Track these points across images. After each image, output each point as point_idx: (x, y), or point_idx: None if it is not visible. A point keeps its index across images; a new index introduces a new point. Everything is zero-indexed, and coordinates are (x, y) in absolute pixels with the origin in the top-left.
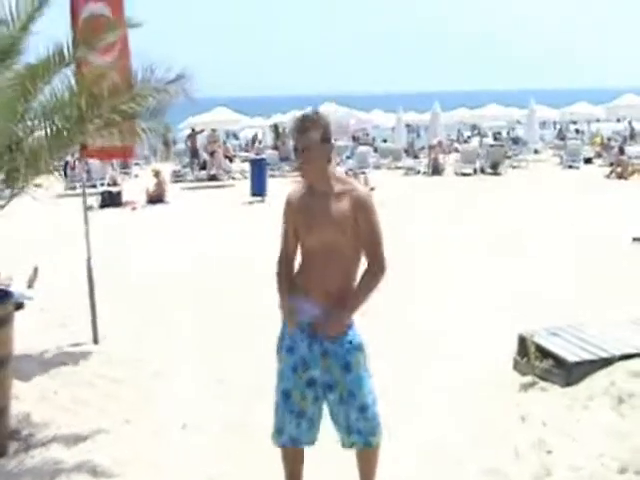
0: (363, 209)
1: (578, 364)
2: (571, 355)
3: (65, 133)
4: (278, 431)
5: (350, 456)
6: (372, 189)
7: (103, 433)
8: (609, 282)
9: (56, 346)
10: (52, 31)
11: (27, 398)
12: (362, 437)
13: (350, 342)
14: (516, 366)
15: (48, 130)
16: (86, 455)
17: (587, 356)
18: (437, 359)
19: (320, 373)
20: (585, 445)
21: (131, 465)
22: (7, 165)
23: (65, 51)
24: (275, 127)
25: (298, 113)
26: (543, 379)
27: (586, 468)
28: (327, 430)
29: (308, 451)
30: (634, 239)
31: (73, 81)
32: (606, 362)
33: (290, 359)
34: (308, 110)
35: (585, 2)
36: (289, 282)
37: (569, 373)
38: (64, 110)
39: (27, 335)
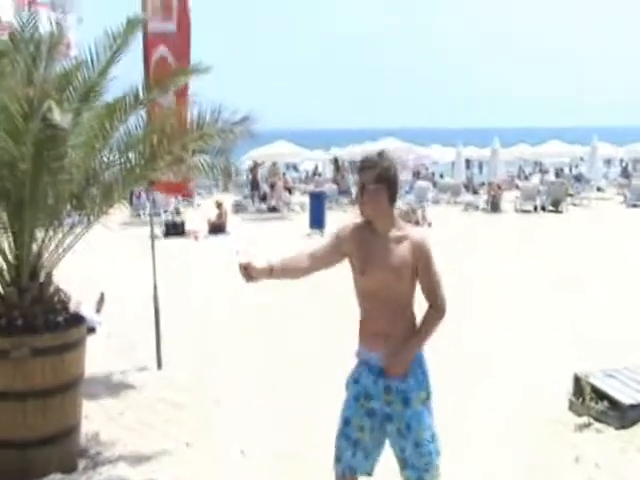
0: (423, 256)
1: (633, 407)
2: (626, 397)
3: (138, 169)
4: (337, 459)
5: None
6: (429, 224)
7: (166, 454)
8: None
9: (121, 370)
10: (127, 72)
11: (95, 418)
12: (415, 472)
13: (415, 378)
14: (571, 407)
15: (123, 165)
16: (150, 474)
17: None
18: (492, 393)
19: (381, 405)
20: None
21: None
22: (85, 197)
23: (140, 92)
24: (335, 160)
25: (359, 147)
26: (598, 420)
27: None
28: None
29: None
30: None
31: (145, 121)
32: None
33: (354, 388)
34: (375, 150)
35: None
36: (291, 265)
37: (624, 415)
38: (137, 147)
39: (94, 359)
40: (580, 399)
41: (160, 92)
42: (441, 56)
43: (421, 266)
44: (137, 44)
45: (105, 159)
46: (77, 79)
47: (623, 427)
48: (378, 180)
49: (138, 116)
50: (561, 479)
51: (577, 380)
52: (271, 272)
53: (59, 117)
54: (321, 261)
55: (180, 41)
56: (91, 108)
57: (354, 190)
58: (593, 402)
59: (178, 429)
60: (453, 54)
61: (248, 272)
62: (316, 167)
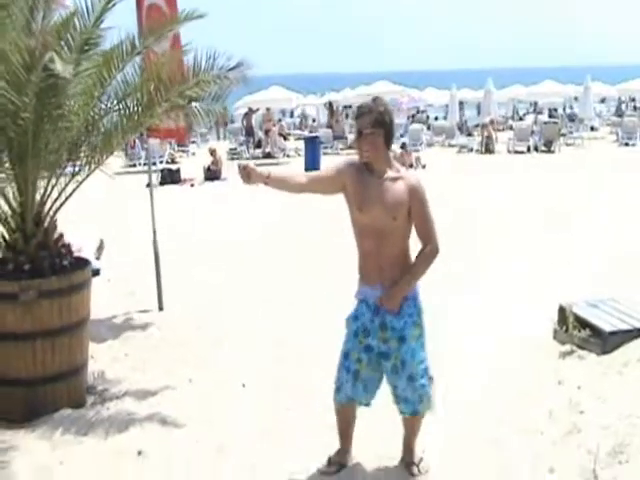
0: (417, 197)
1: (614, 333)
2: (607, 325)
3: (136, 116)
4: (337, 389)
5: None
6: (424, 166)
7: (170, 390)
8: None
9: (124, 313)
10: (122, 20)
11: (100, 358)
12: (410, 405)
13: (410, 316)
14: (556, 335)
15: (121, 113)
16: (155, 408)
17: (623, 326)
18: (481, 324)
19: (377, 342)
20: (615, 407)
21: (195, 418)
22: (85, 144)
23: (136, 40)
24: (330, 105)
25: (353, 91)
26: (581, 348)
27: (614, 426)
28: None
29: (360, 409)
30: None
31: (141, 68)
32: None
33: (354, 325)
34: (368, 91)
35: None
36: (288, 177)
37: (605, 342)
38: (135, 94)
39: (97, 303)
40: (564, 328)
41: (156, 39)
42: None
43: (415, 206)
44: None
45: (103, 107)
46: (73, 28)
47: (604, 353)
48: (374, 125)
49: (134, 64)
50: (545, 401)
51: (562, 310)
52: (268, 177)
53: (61, 67)
54: (318, 184)
55: None
56: (89, 57)
57: (349, 134)
58: (576, 330)
59: (181, 367)
60: None
61: (247, 172)
62: (302, 112)
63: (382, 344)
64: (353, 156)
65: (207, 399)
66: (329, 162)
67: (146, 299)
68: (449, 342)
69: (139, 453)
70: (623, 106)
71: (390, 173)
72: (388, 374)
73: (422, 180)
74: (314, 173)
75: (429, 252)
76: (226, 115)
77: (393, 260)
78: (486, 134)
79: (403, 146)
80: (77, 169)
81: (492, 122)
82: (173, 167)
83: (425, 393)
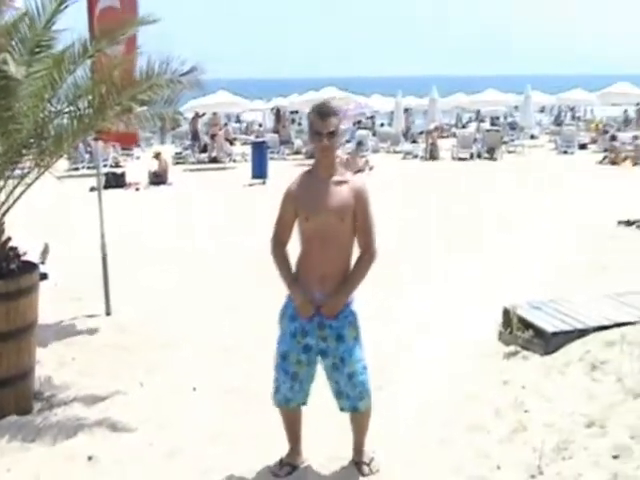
0: (361, 200)
1: (556, 334)
2: (550, 326)
3: (87, 119)
4: (275, 390)
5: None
6: (371, 168)
7: (120, 394)
8: (592, 261)
9: (70, 317)
10: (74, 23)
11: (47, 363)
12: (350, 402)
13: (346, 317)
14: (500, 337)
15: (72, 115)
16: (105, 413)
17: (565, 327)
18: (429, 327)
19: (316, 341)
20: (558, 405)
21: (146, 422)
22: (35, 146)
23: (88, 43)
24: (277, 111)
25: (301, 97)
26: (525, 348)
27: (558, 424)
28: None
29: (308, 412)
30: (619, 222)
31: (93, 71)
32: (582, 333)
33: (291, 325)
34: (317, 97)
35: None
36: (288, 266)
37: (548, 343)
38: (86, 97)
39: (43, 308)
40: (508, 329)
41: (108, 42)
42: (381, 3)
43: (359, 210)
44: None
45: (54, 109)
46: (24, 30)
47: (547, 353)
48: (339, 125)
49: (86, 67)
50: (491, 401)
51: (506, 312)
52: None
53: (14, 69)
54: (290, 232)
55: None
56: (40, 59)
57: (295, 139)
58: (520, 332)
59: (130, 371)
60: (397, 3)
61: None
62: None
63: (321, 342)
64: (299, 161)
65: (158, 403)
66: (276, 167)
67: (93, 304)
68: (399, 345)
69: (89, 458)
70: (562, 115)
71: (336, 177)
72: (328, 371)
73: (366, 185)
74: (283, 229)
75: (367, 259)
76: (178, 119)
77: (335, 268)
78: (431, 141)
79: (356, 148)
80: (26, 172)
81: (437, 129)
82: (118, 171)
83: (365, 390)
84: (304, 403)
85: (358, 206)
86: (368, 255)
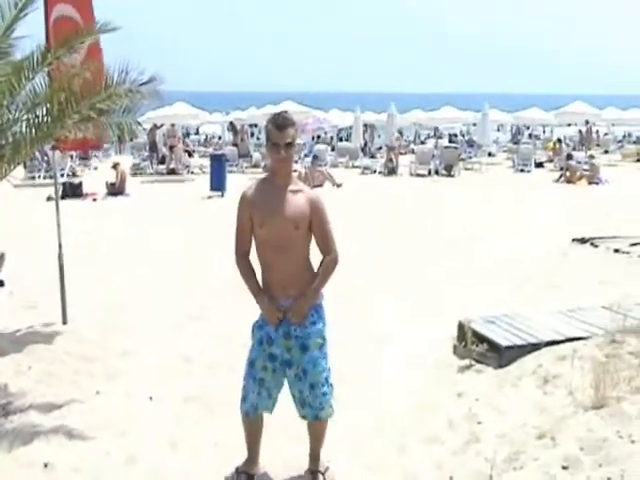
0: (318, 209)
1: (509, 348)
2: (503, 340)
3: (45, 127)
4: (243, 398)
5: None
6: (339, 185)
7: (76, 403)
8: (546, 278)
9: (27, 326)
10: (33, 31)
11: (3, 371)
12: (312, 411)
13: (314, 324)
14: (455, 350)
15: (30, 123)
16: (61, 421)
17: (518, 341)
18: (387, 341)
19: (281, 351)
20: (511, 417)
21: (103, 430)
22: None
23: (46, 51)
24: (232, 125)
25: (259, 111)
26: (479, 362)
27: (510, 435)
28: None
29: (267, 421)
30: (573, 240)
31: (50, 79)
32: (535, 347)
33: (258, 333)
34: (275, 110)
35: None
36: (252, 275)
37: (501, 356)
38: (45, 105)
39: None
40: (463, 343)
41: (67, 51)
42: (341, 18)
43: (316, 219)
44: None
45: (11, 117)
46: None
47: (501, 367)
48: (296, 137)
49: (44, 75)
50: (445, 412)
51: (461, 326)
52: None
53: None
54: (250, 240)
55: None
56: None
57: (254, 153)
58: (474, 345)
59: (87, 379)
60: (356, 20)
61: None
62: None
63: (285, 352)
64: (258, 175)
65: (115, 412)
66: (234, 180)
67: (50, 312)
68: (357, 355)
69: (45, 465)
70: (519, 133)
71: (292, 186)
72: (291, 381)
73: (321, 194)
74: (241, 238)
75: (330, 262)
76: (137, 130)
77: (295, 274)
78: (390, 156)
79: (312, 162)
80: None
81: (398, 145)
82: (75, 181)
83: (326, 400)
84: (270, 411)
85: (314, 215)
86: (330, 258)
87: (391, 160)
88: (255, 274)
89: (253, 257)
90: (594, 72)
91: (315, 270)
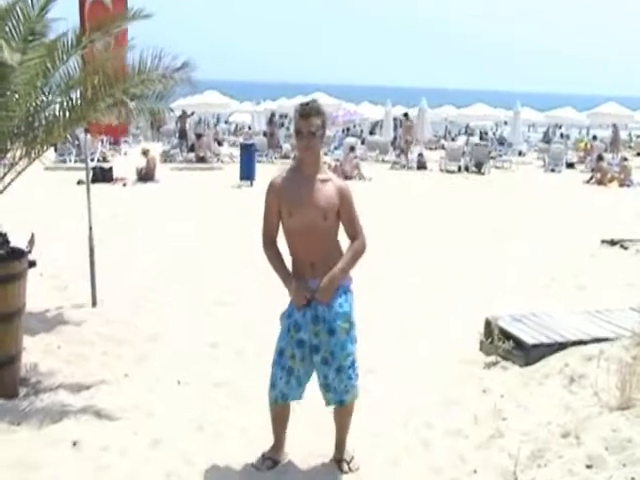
0: (345, 198)
1: (536, 346)
2: (530, 338)
3: (78, 109)
4: (272, 385)
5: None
6: (370, 179)
7: (104, 384)
8: (574, 278)
9: (56, 307)
10: (67, 13)
11: (33, 351)
12: (337, 395)
13: (340, 309)
14: (482, 347)
15: (64, 105)
16: (90, 401)
17: (545, 340)
18: (415, 335)
19: (309, 336)
20: (536, 415)
21: (131, 412)
22: (26, 135)
23: (81, 34)
24: (272, 115)
25: (289, 101)
26: (505, 359)
27: (534, 433)
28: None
29: (293, 408)
30: (602, 241)
31: (83, 62)
32: (561, 346)
33: (287, 322)
34: (309, 99)
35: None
36: (281, 260)
37: (527, 354)
38: (79, 88)
39: (29, 296)
40: (489, 340)
41: (101, 35)
42: (373, 13)
43: (344, 207)
44: None
45: (45, 99)
46: (18, 17)
47: (527, 364)
48: (322, 126)
49: (78, 57)
50: (470, 407)
51: (488, 323)
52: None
53: (9, 55)
54: (276, 229)
55: None
56: (34, 47)
57: (284, 143)
58: (501, 342)
59: (116, 362)
60: (390, 17)
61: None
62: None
63: (314, 337)
64: (287, 165)
65: (143, 394)
66: (264, 170)
67: (79, 294)
68: (384, 348)
69: (74, 444)
70: (550, 133)
71: (320, 175)
72: (318, 365)
73: (348, 184)
74: (269, 225)
75: (358, 246)
76: (168, 115)
77: (324, 255)
78: (419, 152)
79: (345, 155)
80: (17, 159)
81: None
82: (105, 165)
83: (351, 385)
84: (299, 399)
85: (342, 205)
86: (358, 241)
87: (420, 155)
88: (283, 260)
89: (281, 244)
90: (627, 74)
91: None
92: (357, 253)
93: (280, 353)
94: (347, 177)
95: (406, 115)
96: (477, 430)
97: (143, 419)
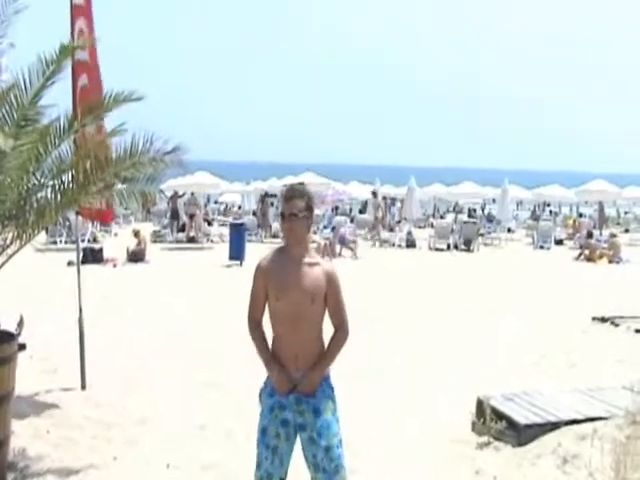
0: (333, 283)
1: (528, 426)
2: (523, 418)
3: (70, 193)
4: (257, 465)
5: None
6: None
7: (93, 468)
8: (565, 356)
9: (46, 390)
10: (57, 99)
11: (22, 435)
12: (326, 475)
13: (323, 392)
14: (474, 427)
15: (56, 189)
16: None
17: (537, 419)
18: (403, 416)
19: (293, 416)
20: None
21: None
22: (18, 218)
23: (72, 119)
24: (264, 195)
25: (280, 181)
26: (497, 439)
27: None
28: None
29: None
30: (593, 318)
31: (76, 146)
32: (554, 426)
33: (269, 401)
34: (295, 181)
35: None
36: (265, 344)
37: (520, 434)
38: (70, 172)
39: (18, 379)
40: (482, 420)
41: (93, 120)
42: (356, 92)
43: (331, 292)
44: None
45: (38, 182)
46: (11, 103)
47: (520, 445)
48: (306, 209)
49: (70, 142)
50: None
51: (480, 403)
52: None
53: (2, 141)
54: (263, 310)
55: (94, 70)
56: (27, 132)
57: (273, 223)
58: (493, 422)
59: (104, 445)
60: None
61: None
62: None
63: (298, 416)
64: (277, 245)
65: (132, 478)
66: (253, 249)
67: (69, 377)
68: (373, 429)
69: None
70: (537, 210)
71: (307, 258)
72: (305, 445)
73: (335, 267)
74: (255, 307)
75: (342, 337)
76: (159, 197)
77: (308, 347)
78: (407, 230)
79: (341, 240)
80: (8, 242)
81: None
82: (95, 246)
83: (341, 464)
84: (283, 478)
85: (330, 289)
86: (342, 332)
87: (409, 233)
88: (267, 343)
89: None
90: (616, 150)
91: (325, 342)
92: (340, 344)
93: (263, 432)
94: (336, 255)
95: (374, 193)
96: None
97: None
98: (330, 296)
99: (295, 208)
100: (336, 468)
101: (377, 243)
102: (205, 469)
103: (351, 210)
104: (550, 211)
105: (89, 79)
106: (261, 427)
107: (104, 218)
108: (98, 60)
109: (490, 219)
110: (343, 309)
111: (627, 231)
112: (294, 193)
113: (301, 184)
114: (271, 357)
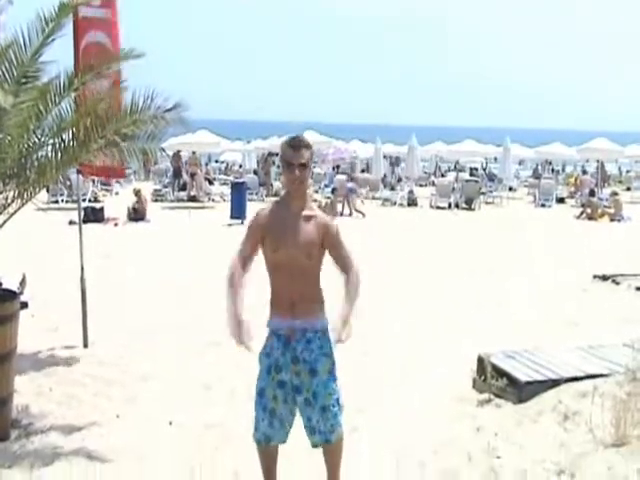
0: (330, 234)
1: (529, 383)
2: (523, 375)
3: (71, 151)
4: (255, 428)
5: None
6: (363, 215)
7: (96, 425)
8: (566, 314)
9: (48, 348)
10: (60, 56)
11: (25, 392)
12: (323, 436)
13: (320, 349)
14: (475, 384)
15: (56, 147)
16: (81, 443)
17: (538, 377)
18: (406, 374)
19: (290, 377)
20: (530, 452)
21: (122, 453)
22: (18, 176)
23: (73, 76)
24: (267, 155)
25: (280, 140)
26: (498, 396)
27: (529, 471)
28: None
29: (284, 449)
30: (594, 277)
31: (76, 104)
32: (555, 383)
33: (266, 361)
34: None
35: (558, 48)
36: (238, 291)
37: (521, 391)
38: (70, 129)
39: (20, 337)
40: (482, 377)
41: (93, 77)
42: (362, 53)
43: (331, 242)
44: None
45: (38, 140)
46: (10, 60)
47: (520, 402)
48: (311, 159)
49: (70, 99)
50: (464, 446)
51: (480, 360)
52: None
53: (2, 98)
54: (251, 258)
55: (112, 26)
56: (27, 90)
57: (274, 181)
58: (494, 380)
59: (107, 402)
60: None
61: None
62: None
63: (295, 377)
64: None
65: (135, 435)
66: (255, 208)
67: (71, 335)
68: (375, 387)
69: None
70: (540, 168)
71: (306, 211)
72: (301, 407)
73: (333, 219)
74: (243, 251)
75: (354, 278)
76: (160, 155)
77: (304, 294)
78: (409, 188)
79: (334, 193)
80: (9, 201)
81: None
82: (97, 205)
83: (337, 422)
84: (284, 441)
85: (327, 240)
86: (353, 273)
87: (411, 192)
88: (241, 292)
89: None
90: (617, 108)
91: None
92: (357, 285)
93: (260, 394)
94: (338, 214)
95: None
96: (471, 469)
97: (136, 461)
98: (331, 246)
99: (304, 158)
100: (332, 427)
101: (389, 203)
102: (208, 427)
103: (352, 169)
104: (552, 169)
105: (110, 36)
106: (258, 389)
107: (114, 174)
108: (117, 17)
109: (492, 178)
110: (348, 255)
111: (629, 189)
112: (302, 143)
113: (303, 137)
114: (239, 309)
